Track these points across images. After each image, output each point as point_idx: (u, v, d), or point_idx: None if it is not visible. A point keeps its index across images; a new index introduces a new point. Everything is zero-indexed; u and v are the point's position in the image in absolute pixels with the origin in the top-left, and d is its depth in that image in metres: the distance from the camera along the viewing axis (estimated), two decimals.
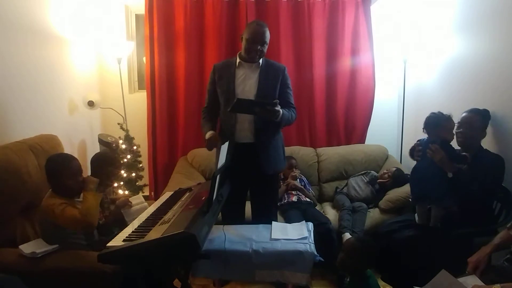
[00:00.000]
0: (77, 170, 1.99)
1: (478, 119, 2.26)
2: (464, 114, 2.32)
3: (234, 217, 2.47)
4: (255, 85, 2.33)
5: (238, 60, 2.37)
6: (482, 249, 1.75)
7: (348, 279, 1.91)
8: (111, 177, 2.43)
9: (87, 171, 2.72)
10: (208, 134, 2.34)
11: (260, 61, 2.36)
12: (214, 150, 2.34)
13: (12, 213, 1.96)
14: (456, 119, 2.30)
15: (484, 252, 1.72)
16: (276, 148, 2.44)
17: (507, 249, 1.74)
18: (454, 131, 2.29)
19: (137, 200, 2.40)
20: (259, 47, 2.27)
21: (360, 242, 1.90)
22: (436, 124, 2.25)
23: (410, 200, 2.54)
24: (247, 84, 2.34)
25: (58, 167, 1.93)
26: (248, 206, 2.58)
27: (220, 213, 2.56)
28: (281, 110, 2.21)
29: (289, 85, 2.46)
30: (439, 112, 2.29)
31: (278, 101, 2.19)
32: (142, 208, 2.29)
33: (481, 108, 2.33)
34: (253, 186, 2.51)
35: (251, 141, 2.35)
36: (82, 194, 1.97)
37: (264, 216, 2.39)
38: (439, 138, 2.22)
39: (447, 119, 2.26)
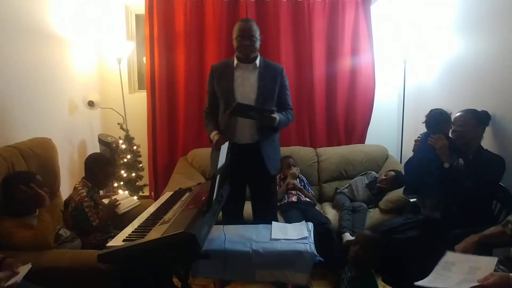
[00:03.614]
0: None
1: (470, 117, 2.28)
2: (457, 114, 2.36)
3: (234, 216, 2.48)
4: (255, 86, 2.31)
5: (235, 61, 2.34)
6: (470, 237, 1.80)
7: (349, 274, 1.88)
8: (110, 177, 2.45)
9: None
10: (214, 135, 2.33)
11: (258, 62, 2.34)
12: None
13: None
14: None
15: (472, 240, 1.77)
16: (275, 148, 2.45)
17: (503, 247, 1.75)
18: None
19: (123, 196, 2.47)
20: (247, 42, 2.24)
21: (377, 234, 1.86)
22: (439, 121, 2.31)
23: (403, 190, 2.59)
24: (246, 85, 2.32)
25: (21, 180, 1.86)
26: (247, 206, 2.59)
27: (220, 212, 2.58)
28: (277, 116, 2.21)
29: (287, 86, 2.45)
30: (441, 109, 2.34)
31: (275, 109, 2.18)
32: (130, 201, 2.38)
33: (479, 109, 2.35)
34: (254, 186, 2.51)
35: (252, 142, 2.34)
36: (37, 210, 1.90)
37: (265, 216, 2.39)
38: (442, 131, 2.28)
39: (449, 117, 2.33)
